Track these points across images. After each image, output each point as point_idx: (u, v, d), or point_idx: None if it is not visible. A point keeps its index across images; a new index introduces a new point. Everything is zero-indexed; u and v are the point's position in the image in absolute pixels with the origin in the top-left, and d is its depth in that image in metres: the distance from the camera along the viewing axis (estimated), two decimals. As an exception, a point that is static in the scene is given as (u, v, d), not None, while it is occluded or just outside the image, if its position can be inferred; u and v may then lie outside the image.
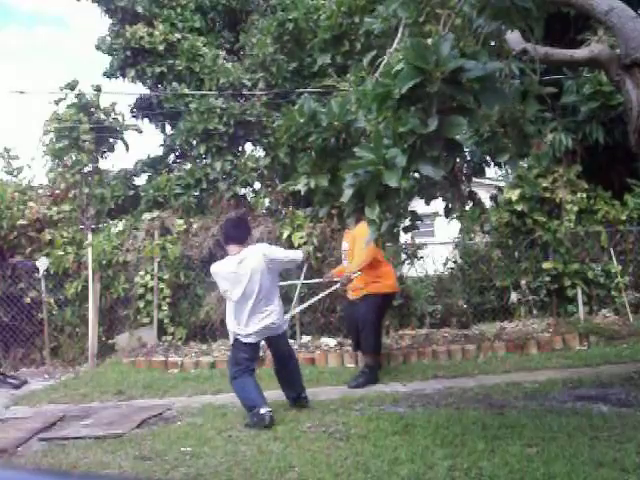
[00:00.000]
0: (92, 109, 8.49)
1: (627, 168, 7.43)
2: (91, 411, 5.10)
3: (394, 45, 3.11)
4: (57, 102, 8.45)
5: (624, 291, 7.21)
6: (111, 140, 8.74)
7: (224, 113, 8.44)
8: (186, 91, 9.02)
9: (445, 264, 7.81)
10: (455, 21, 2.95)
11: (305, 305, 6.00)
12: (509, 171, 8.62)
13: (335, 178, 3.14)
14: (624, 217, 7.45)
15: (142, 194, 8.82)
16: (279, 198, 8.21)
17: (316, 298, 6.01)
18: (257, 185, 8.91)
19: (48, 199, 8.12)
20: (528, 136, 3.43)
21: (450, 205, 4.02)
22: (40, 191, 8.34)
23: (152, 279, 7.41)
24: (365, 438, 3.92)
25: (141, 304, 7.40)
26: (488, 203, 7.82)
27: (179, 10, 10.02)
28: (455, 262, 7.80)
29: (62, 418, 4.89)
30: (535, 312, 7.29)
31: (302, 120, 3.23)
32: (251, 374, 4.57)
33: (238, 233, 4.72)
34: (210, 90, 8.97)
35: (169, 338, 7.34)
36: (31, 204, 7.86)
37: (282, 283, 5.18)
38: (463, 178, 4.15)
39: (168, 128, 10.29)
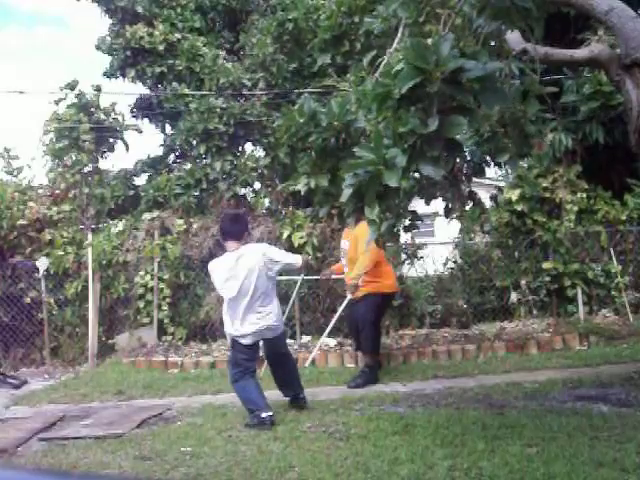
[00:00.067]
0: (92, 109, 8.48)
1: (627, 168, 7.43)
2: (91, 411, 5.10)
3: (394, 45, 3.11)
4: (57, 102, 8.45)
5: (624, 291, 7.21)
6: (111, 140, 8.73)
7: (224, 113, 8.44)
8: (186, 91, 9.02)
9: (445, 264, 7.81)
10: (455, 21, 2.95)
11: (330, 327, 5.91)
12: (509, 171, 8.62)
13: (335, 178, 3.14)
14: (624, 217, 7.46)
15: (142, 194, 8.82)
16: (279, 198, 8.21)
17: (337, 315, 5.88)
18: (257, 185, 8.92)
19: (48, 199, 8.12)
20: (529, 136, 3.43)
21: (450, 205, 4.01)
22: (40, 191, 8.34)
23: (152, 279, 7.41)
24: (365, 438, 3.92)
25: (141, 304, 7.40)
26: (488, 203, 7.80)
27: (179, 10, 10.02)
28: (455, 262, 7.80)
29: (62, 418, 4.89)
30: (535, 312, 7.29)
31: (302, 120, 3.23)
32: (252, 375, 4.55)
33: (236, 228, 4.65)
34: (210, 90, 8.97)
35: (169, 338, 7.34)
36: (31, 204, 7.86)
37: (282, 277, 5.10)
38: (463, 178, 4.14)
39: (168, 128, 10.29)
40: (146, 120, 10.46)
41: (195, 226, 7.74)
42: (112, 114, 8.67)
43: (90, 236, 7.54)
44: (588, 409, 4.29)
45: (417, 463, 3.42)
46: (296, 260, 4.85)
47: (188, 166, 9.01)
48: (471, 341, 6.68)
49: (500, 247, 7.57)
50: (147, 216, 7.85)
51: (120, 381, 6.08)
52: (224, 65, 9.22)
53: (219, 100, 8.58)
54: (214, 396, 5.33)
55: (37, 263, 7.38)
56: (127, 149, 8.92)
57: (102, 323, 7.53)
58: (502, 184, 8.42)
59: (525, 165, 7.48)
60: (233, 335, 4.55)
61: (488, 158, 4.17)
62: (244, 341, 4.51)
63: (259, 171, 8.54)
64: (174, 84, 9.17)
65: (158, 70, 9.51)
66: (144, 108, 10.32)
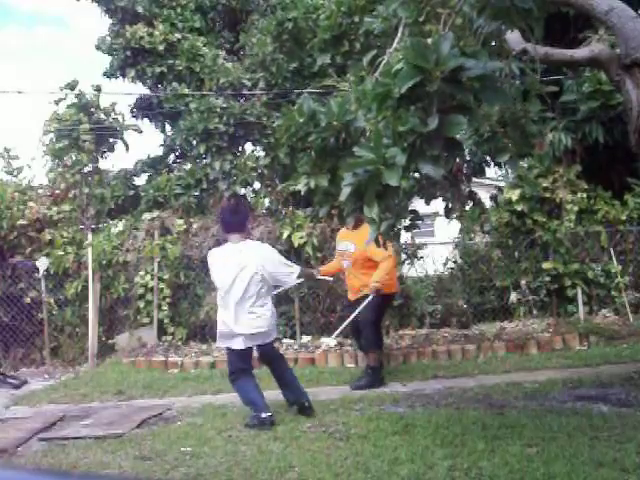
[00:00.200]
0: (92, 109, 8.48)
1: (627, 168, 7.43)
2: (91, 411, 5.10)
3: (394, 45, 3.11)
4: (57, 102, 8.45)
5: (624, 291, 7.21)
6: (111, 140, 8.73)
7: (224, 113, 8.44)
8: (186, 91, 9.02)
9: (445, 264, 7.81)
10: (455, 21, 2.95)
11: (342, 327, 5.72)
12: (509, 171, 8.62)
13: (335, 178, 3.14)
14: (624, 217, 7.45)
15: (142, 194, 8.82)
16: (279, 198, 8.21)
17: (349, 320, 5.77)
18: (257, 185, 8.92)
19: (48, 199, 8.12)
20: (530, 136, 3.43)
21: (450, 205, 4.01)
22: (40, 191, 8.34)
23: (152, 279, 7.40)
24: (365, 438, 3.92)
25: (141, 304, 7.40)
26: (488, 203, 7.81)
27: (179, 10, 10.02)
28: (455, 262, 7.80)
29: (62, 418, 4.89)
30: (535, 312, 7.29)
31: (301, 120, 3.23)
32: (249, 375, 4.52)
33: (238, 219, 4.56)
34: (210, 90, 8.97)
35: (169, 338, 7.34)
36: (31, 204, 7.86)
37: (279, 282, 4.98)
38: (463, 178, 4.14)
39: (168, 128, 10.29)
40: (146, 120, 10.46)
41: (195, 226, 7.74)
42: (112, 114, 8.67)
43: (90, 236, 7.54)
44: (588, 409, 4.29)
45: (417, 463, 3.42)
46: (292, 277, 4.62)
47: (188, 166, 9.01)
48: (471, 341, 6.68)
49: (500, 247, 7.57)
50: (147, 216, 7.85)
51: (120, 381, 6.07)
52: (224, 65, 9.22)
53: (219, 100, 8.58)
54: (214, 396, 5.33)
55: (37, 263, 7.37)
56: (127, 149, 8.92)
57: (102, 323, 7.52)
58: (502, 184, 8.41)
59: (525, 165, 7.48)
60: (226, 341, 4.48)
61: (488, 158, 4.17)
62: (236, 347, 4.43)
63: (259, 171, 8.54)
64: (174, 84, 9.17)
65: (158, 70, 9.51)
66: (144, 108, 10.31)
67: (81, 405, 5.38)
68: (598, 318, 7.11)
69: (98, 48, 9.86)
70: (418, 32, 3.11)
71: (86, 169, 8.38)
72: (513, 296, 7.28)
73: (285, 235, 7.33)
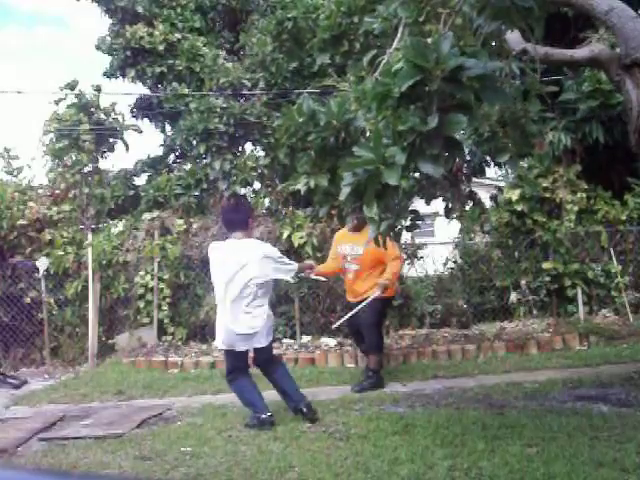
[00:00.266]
0: (92, 109, 8.48)
1: (627, 168, 7.43)
2: (91, 411, 5.10)
3: (394, 45, 3.11)
4: (57, 102, 8.45)
5: (624, 291, 7.21)
6: (111, 140, 8.72)
7: (224, 113, 8.44)
8: (186, 91, 9.02)
9: (445, 264, 7.81)
10: (455, 21, 2.95)
11: (345, 318, 5.60)
12: (509, 171, 8.63)
13: (335, 177, 3.14)
14: (624, 217, 7.45)
15: (142, 194, 8.82)
16: (279, 198, 8.21)
17: (352, 313, 5.72)
18: (257, 185, 8.92)
19: (48, 199, 8.12)
20: (530, 136, 3.43)
21: (450, 205, 4.01)
22: (40, 191, 8.34)
23: (152, 279, 7.40)
24: (365, 438, 3.92)
25: (141, 304, 7.40)
26: (488, 203, 7.83)
27: (179, 10, 10.01)
28: (455, 262, 7.80)
29: (62, 418, 4.89)
30: (535, 312, 7.29)
31: (301, 120, 3.23)
32: (246, 376, 4.49)
33: (240, 217, 4.53)
34: (210, 90, 8.97)
35: (169, 338, 7.34)
36: (31, 204, 7.86)
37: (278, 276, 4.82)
38: (463, 178, 4.14)
39: (168, 128, 10.29)
40: (146, 120, 10.46)
41: (195, 226, 7.74)
42: (112, 114, 8.66)
43: (90, 236, 7.54)
44: (588, 409, 4.29)
45: (417, 463, 3.42)
46: (288, 274, 4.60)
47: (188, 166, 9.01)
48: (471, 341, 6.68)
49: (500, 247, 7.57)
50: (147, 216, 7.85)
51: (120, 381, 6.07)
52: (224, 65, 9.22)
53: (219, 100, 8.57)
54: (214, 396, 5.33)
55: (37, 263, 7.37)
56: (127, 149, 8.92)
57: (102, 323, 7.52)
58: (502, 184, 8.42)
59: (525, 165, 7.49)
60: (223, 341, 4.42)
61: (488, 158, 4.17)
62: (235, 348, 4.40)
63: (259, 171, 8.54)
64: (174, 84, 9.17)
65: (158, 70, 9.50)
66: (144, 108, 10.31)
67: (81, 405, 5.38)
68: (598, 318, 7.11)
69: (98, 48, 9.86)
70: (418, 32, 3.10)
71: (86, 169, 8.38)
72: (513, 296, 7.28)
73: (285, 235, 7.33)
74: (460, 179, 4.05)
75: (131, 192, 9.29)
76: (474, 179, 4.37)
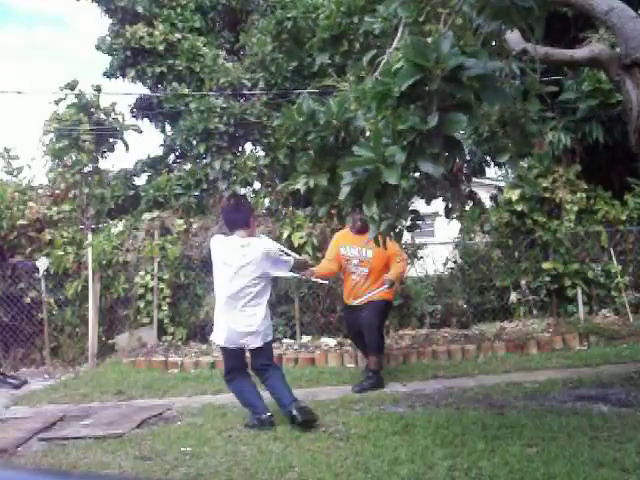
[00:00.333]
0: (92, 109, 8.48)
1: (627, 168, 7.43)
2: (91, 411, 5.10)
3: (394, 44, 3.11)
4: (57, 102, 8.45)
5: (624, 291, 7.21)
6: (111, 140, 8.73)
7: (224, 113, 8.44)
8: (186, 91, 9.02)
9: (445, 264, 7.81)
10: (455, 20, 2.95)
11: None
12: (509, 171, 8.63)
13: (334, 177, 3.14)
14: (624, 217, 7.45)
15: (142, 194, 8.82)
16: (279, 198, 8.21)
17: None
18: (257, 185, 8.92)
19: (48, 199, 8.12)
20: (530, 135, 3.43)
21: (450, 205, 4.01)
22: (40, 191, 8.34)
23: (152, 279, 7.40)
24: (365, 438, 3.92)
25: (141, 304, 7.40)
26: (488, 203, 7.83)
27: (179, 10, 10.01)
28: (455, 262, 7.80)
29: (62, 418, 4.89)
30: (535, 312, 7.29)
31: (301, 119, 3.22)
32: (245, 376, 4.46)
33: (241, 216, 4.50)
34: (210, 90, 8.97)
35: (169, 338, 7.33)
36: (31, 204, 7.86)
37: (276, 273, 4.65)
38: (463, 178, 4.14)
39: (168, 128, 10.29)
40: (146, 120, 10.45)
41: (195, 226, 7.74)
42: (112, 114, 8.66)
43: (90, 236, 7.54)
44: (588, 409, 4.29)
45: (417, 463, 3.42)
46: (286, 266, 4.59)
47: (188, 166, 9.01)
48: (471, 341, 6.68)
49: (500, 247, 7.57)
50: (147, 216, 7.85)
51: (120, 381, 6.07)
52: (224, 65, 9.22)
53: (219, 100, 8.58)
54: (214, 396, 5.33)
55: (37, 263, 7.37)
56: (127, 149, 8.92)
57: (102, 323, 7.52)
58: (502, 184, 8.41)
59: (525, 165, 7.49)
60: (220, 338, 4.40)
61: (488, 158, 4.17)
62: (231, 346, 4.37)
63: (259, 171, 8.54)
64: (174, 84, 9.17)
65: (158, 70, 9.50)
66: (144, 108, 10.31)
67: (81, 405, 5.38)
68: (598, 318, 7.11)
69: (98, 48, 9.85)
70: (418, 32, 3.10)
71: (86, 169, 8.38)
72: (513, 296, 7.28)
73: (285, 235, 7.33)
74: (460, 179, 4.05)
75: (131, 192, 9.29)
76: (474, 179, 4.37)
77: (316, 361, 6.47)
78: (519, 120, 3.36)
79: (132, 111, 10.45)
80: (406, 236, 7.16)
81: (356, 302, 5.47)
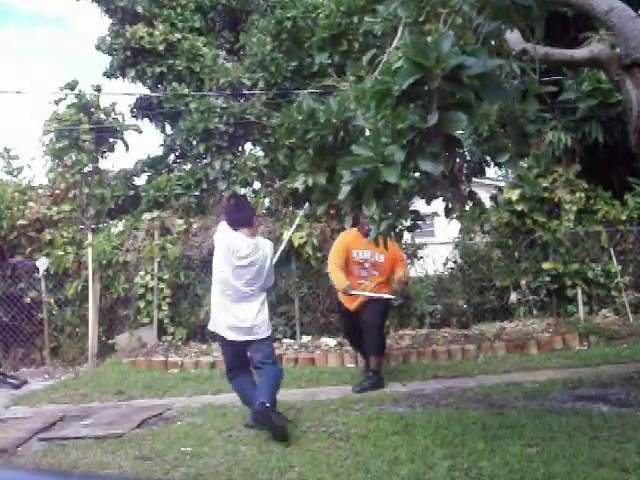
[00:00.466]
0: (92, 109, 8.49)
1: (627, 168, 7.43)
2: (91, 411, 5.10)
3: (394, 44, 3.11)
4: (57, 102, 8.45)
5: (624, 291, 7.21)
6: (111, 140, 8.74)
7: (224, 113, 8.44)
8: (186, 91, 9.02)
9: (445, 264, 7.81)
10: (455, 20, 2.95)
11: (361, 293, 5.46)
12: (509, 171, 8.63)
13: (333, 176, 3.14)
14: (624, 217, 7.45)
15: (142, 194, 8.81)
16: (279, 198, 8.21)
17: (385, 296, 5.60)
18: (257, 185, 8.92)
19: (48, 199, 8.12)
20: (528, 135, 3.43)
21: (450, 205, 4.01)
22: (40, 191, 8.34)
23: (152, 279, 7.40)
24: (365, 438, 3.92)
25: (141, 304, 7.39)
26: (488, 203, 7.83)
27: (179, 10, 10.01)
28: (455, 262, 7.80)
29: (62, 418, 4.89)
30: (535, 312, 7.29)
31: (300, 118, 3.22)
32: (246, 373, 4.39)
33: (244, 215, 4.47)
34: (210, 90, 8.97)
35: (169, 338, 7.33)
36: (31, 204, 7.86)
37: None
38: (463, 178, 4.14)
39: (168, 128, 10.29)
40: (146, 120, 10.44)
41: (195, 226, 7.74)
42: (112, 114, 8.67)
43: (90, 236, 7.54)
44: (588, 409, 4.29)
45: (417, 463, 3.42)
46: (268, 282, 4.47)
47: (188, 166, 9.02)
48: (471, 341, 6.68)
49: (500, 247, 7.57)
50: (147, 216, 7.85)
51: (120, 381, 6.07)
52: (224, 65, 9.22)
53: (219, 100, 8.58)
54: (214, 396, 5.33)
55: (37, 263, 7.37)
56: (127, 149, 8.93)
57: (102, 323, 7.52)
58: (502, 184, 8.41)
59: (525, 165, 7.48)
60: (215, 328, 4.35)
61: (488, 158, 4.17)
62: (226, 335, 4.28)
63: (259, 171, 8.54)
64: (174, 84, 9.17)
65: (158, 70, 9.50)
66: (144, 108, 10.31)
67: (81, 405, 5.38)
68: (598, 318, 7.11)
69: (98, 48, 9.86)
70: (418, 31, 3.11)
71: (86, 169, 8.38)
72: (513, 296, 7.28)
73: (285, 235, 7.32)
74: (460, 179, 4.05)
75: (131, 192, 9.28)
76: (474, 179, 4.37)
77: (316, 361, 6.47)
78: (518, 120, 3.36)
79: (132, 111, 10.44)
80: (406, 236, 7.17)
81: (354, 306, 5.42)
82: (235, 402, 4.69)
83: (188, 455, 3.79)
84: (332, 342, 6.92)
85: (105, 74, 10.11)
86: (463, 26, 3.09)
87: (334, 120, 3.13)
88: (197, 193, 8.46)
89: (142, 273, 7.42)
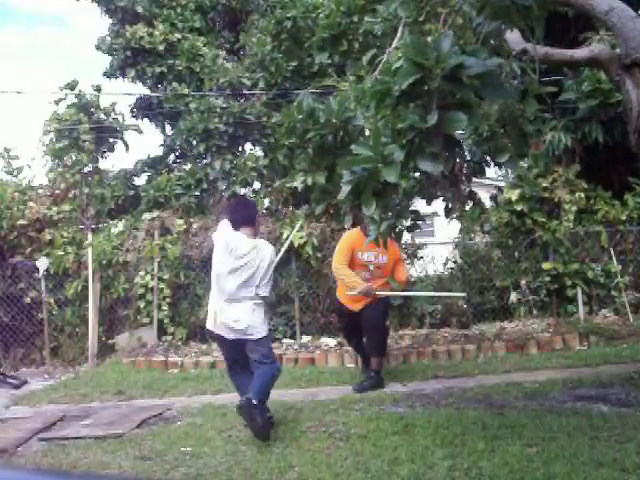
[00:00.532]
0: (92, 109, 8.49)
1: (627, 168, 7.43)
2: (91, 411, 5.10)
3: (394, 44, 3.11)
4: (57, 102, 8.46)
5: (624, 291, 7.21)
6: (111, 140, 8.74)
7: (224, 113, 8.45)
8: (186, 91, 9.02)
9: (445, 264, 7.80)
10: (455, 20, 2.95)
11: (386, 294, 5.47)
12: (509, 171, 8.64)
13: (332, 175, 3.14)
14: (624, 217, 7.45)
15: (142, 194, 8.82)
16: (279, 198, 8.21)
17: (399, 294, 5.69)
18: (257, 185, 8.92)
19: (48, 199, 8.12)
20: (527, 135, 3.43)
21: (450, 205, 4.02)
22: (40, 191, 8.34)
23: (152, 279, 7.40)
24: (365, 438, 3.92)
25: (141, 304, 7.39)
26: (488, 203, 7.83)
27: (179, 10, 10.02)
28: (455, 262, 7.80)
29: (62, 418, 4.89)
30: (535, 312, 7.29)
31: (300, 117, 3.22)
32: (246, 373, 4.31)
33: (246, 213, 4.40)
34: (210, 90, 8.98)
35: (169, 338, 7.33)
36: (31, 204, 7.86)
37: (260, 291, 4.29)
38: (463, 178, 4.14)
39: (168, 128, 10.29)
40: (146, 120, 10.46)
41: (195, 226, 7.74)
42: (112, 114, 8.68)
43: (90, 236, 7.54)
44: (588, 409, 4.29)
45: (417, 463, 3.42)
46: (264, 290, 4.31)
47: (188, 166, 9.02)
48: (471, 341, 6.68)
49: (500, 247, 7.57)
50: (147, 216, 7.85)
51: (120, 381, 6.07)
52: (224, 65, 9.22)
53: (219, 100, 8.58)
54: (214, 396, 5.33)
55: (37, 263, 7.37)
56: (127, 149, 8.93)
57: (102, 323, 7.52)
58: (502, 184, 8.41)
59: (525, 165, 7.48)
60: (210, 325, 4.30)
61: (488, 158, 4.17)
62: (221, 333, 4.24)
63: (259, 171, 8.55)
64: (174, 84, 9.17)
65: (158, 70, 9.51)
66: (144, 108, 10.31)
67: (81, 405, 5.38)
68: (598, 318, 7.11)
69: (98, 48, 9.86)
70: (418, 31, 3.11)
71: (86, 169, 8.39)
72: (513, 296, 7.28)
73: (285, 235, 7.32)
74: (460, 179, 4.05)
75: (131, 192, 9.28)
76: (474, 179, 4.37)
77: (316, 361, 6.47)
78: (517, 120, 3.36)
79: (132, 111, 10.45)
80: (406, 236, 7.17)
81: (361, 307, 5.37)
82: (235, 402, 4.67)
83: (188, 455, 3.79)
84: (332, 342, 6.92)
85: (105, 74, 10.12)
86: (463, 26, 3.09)
87: (334, 120, 3.13)
88: (197, 193, 8.47)
89: (142, 273, 7.42)
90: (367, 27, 4.07)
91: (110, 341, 7.50)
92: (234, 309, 4.18)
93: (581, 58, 4.14)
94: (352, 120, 3.16)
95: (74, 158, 8.24)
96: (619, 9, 3.58)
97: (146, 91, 10.25)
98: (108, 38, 9.86)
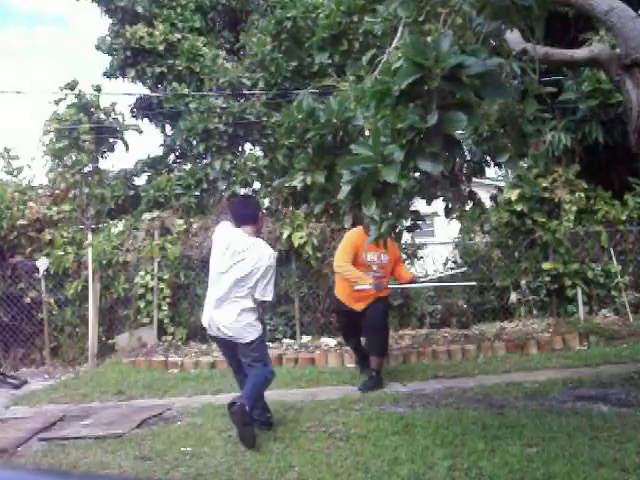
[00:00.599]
0: (92, 109, 8.49)
1: (627, 168, 7.43)
2: (91, 411, 5.10)
3: (394, 44, 3.11)
4: (57, 102, 8.46)
5: (624, 291, 7.21)
6: (111, 140, 8.74)
7: (224, 113, 8.45)
8: (186, 91, 9.02)
9: (445, 264, 7.80)
10: (455, 20, 2.95)
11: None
12: (509, 171, 8.64)
13: (332, 175, 3.14)
14: (624, 217, 7.45)
15: (142, 194, 8.82)
16: (279, 198, 8.21)
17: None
18: (257, 185, 8.92)
19: (48, 199, 8.12)
20: (527, 135, 3.43)
21: (450, 205, 4.02)
22: (40, 191, 8.34)
23: (152, 279, 7.40)
24: (365, 438, 3.92)
25: (141, 304, 7.39)
26: (488, 203, 7.83)
27: (179, 10, 10.02)
28: (455, 262, 7.80)
29: (62, 418, 4.89)
30: (535, 312, 7.29)
31: (300, 116, 3.22)
32: (240, 373, 4.29)
33: (248, 211, 4.32)
34: (210, 90, 8.98)
35: (169, 338, 7.33)
36: (31, 204, 7.86)
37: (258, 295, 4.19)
38: (463, 178, 4.14)
39: (168, 128, 10.30)
40: (146, 120, 10.46)
41: (195, 226, 7.74)
42: (112, 114, 8.68)
43: (90, 236, 7.54)
44: (588, 409, 4.29)
45: (417, 463, 3.42)
46: (264, 295, 4.19)
47: (188, 166, 9.02)
48: (471, 341, 6.68)
49: (500, 247, 7.56)
50: (147, 216, 7.85)
51: (120, 381, 6.07)
52: (224, 65, 9.22)
53: (219, 100, 8.58)
54: (214, 396, 5.33)
55: (37, 263, 7.37)
56: (127, 149, 8.93)
57: (102, 323, 7.52)
58: (502, 184, 8.41)
59: (525, 165, 7.49)
60: (204, 322, 4.26)
61: (488, 158, 4.17)
62: (212, 332, 4.21)
63: (259, 171, 8.55)
64: (174, 84, 9.17)
65: (158, 70, 9.51)
66: (144, 108, 10.31)
67: (81, 405, 5.38)
68: (598, 318, 7.11)
69: (98, 48, 9.86)
70: (418, 31, 3.11)
71: (86, 169, 8.39)
72: (513, 296, 7.28)
73: (285, 235, 7.32)
74: (460, 179, 4.05)
75: (131, 192, 9.28)
76: (474, 179, 4.37)
77: (316, 361, 6.47)
78: (517, 120, 3.36)
79: (132, 111, 10.45)
80: (406, 236, 7.17)
81: (363, 306, 5.36)
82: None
83: (188, 455, 3.79)
84: (332, 342, 6.92)
85: (105, 74, 10.12)
86: (463, 26, 3.09)
87: (334, 120, 3.13)
88: (197, 193, 8.47)
89: (142, 273, 7.42)
90: (367, 27, 4.08)
91: (110, 341, 7.50)
92: (225, 311, 4.11)
93: (581, 58, 4.14)
94: (352, 120, 3.16)
95: (74, 158, 8.24)
96: (619, 9, 3.58)
97: (146, 91, 10.25)
98: (108, 38, 9.86)
